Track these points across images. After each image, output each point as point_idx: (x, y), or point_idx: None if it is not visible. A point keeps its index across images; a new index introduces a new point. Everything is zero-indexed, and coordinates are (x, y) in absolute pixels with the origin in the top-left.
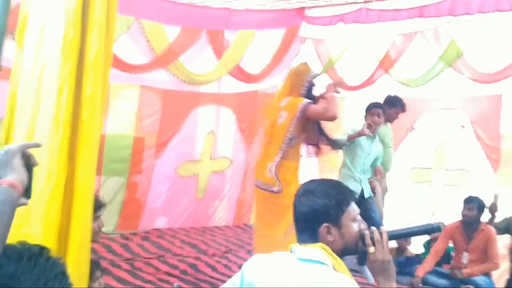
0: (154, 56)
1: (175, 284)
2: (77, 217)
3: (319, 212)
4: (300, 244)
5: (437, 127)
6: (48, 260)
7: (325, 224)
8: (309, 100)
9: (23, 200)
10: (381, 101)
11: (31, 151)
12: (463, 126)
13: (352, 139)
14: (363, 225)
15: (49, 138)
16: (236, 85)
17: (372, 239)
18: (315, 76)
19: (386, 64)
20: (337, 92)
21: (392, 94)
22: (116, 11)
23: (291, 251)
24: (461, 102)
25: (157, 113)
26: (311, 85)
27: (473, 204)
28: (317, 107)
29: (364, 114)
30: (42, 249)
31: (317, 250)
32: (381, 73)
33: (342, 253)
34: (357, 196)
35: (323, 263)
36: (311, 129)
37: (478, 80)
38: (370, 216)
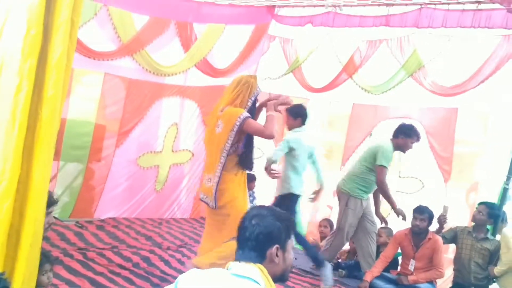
0: (121, 43)
1: None
2: (30, 215)
3: (272, 233)
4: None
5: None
6: None
7: (276, 245)
8: (248, 114)
9: None
10: (346, 105)
11: None
12: None
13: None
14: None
15: (4, 135)
16: (202, 78)
17: None
18: (259, 92)
19: (349, 69)
20: (278, 111)
21: (407, 123)
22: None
23: (227, 268)
24: (418, 112)
25: (121, 101)
26: (256, 100)
27: (425, 215)
28: (256, 124)
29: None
30: None
31: (253, 268)
32: (345, 78)
33: (278, 278)
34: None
35: (255, 281)
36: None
37: (436, 92)
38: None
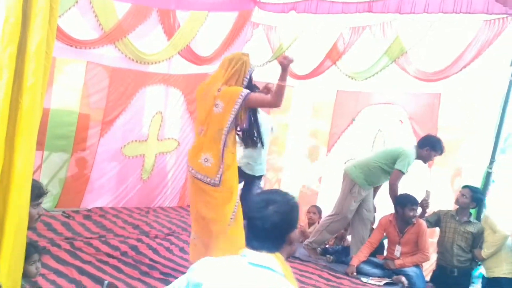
0: (102, 32)
1: (106, 282)
2: (13, 205)
3: (292, 218)
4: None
5: (377, 120)
6: None
7: (295, 229)
8: (249, 91)
9: None
10: (330, 91)
11: None
12: (401, 121)
13: None
14: None
15: None
16: (186, 66)
17: None
18: (253, 69)
19: (333, 55)
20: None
21: (435, 136)
22: None
23: (241, 255)
24: (401, 97)
25: (104, 90)
26: (251, 78)
27: (417, 205)
28: (258, 95)
29: None
30: None
31: (269, 256)
32: (328, 64)
33: (289, 256)
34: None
35: (274, 270)
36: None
37: (419, 77)
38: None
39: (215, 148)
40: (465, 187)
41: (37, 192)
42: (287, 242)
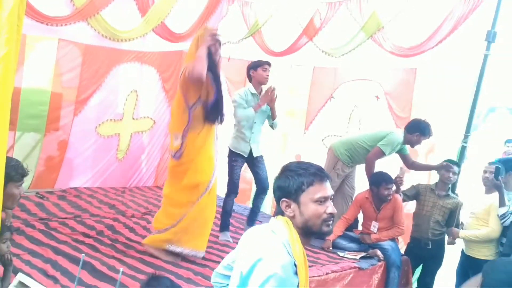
0: (74, 8)
1: (82, 255)
2: None
3: (280, 188)
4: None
5: (353, 96)
6: None
7: (283, 199)
8: (188, 64)
9: None
10: (307, 68)
11: None
12: (377, 97)
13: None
14: (331, 209)
15: None
16: (161, 43)
17: None
18: (214, 34)
19: (310, 32)
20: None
21: (422, 120)
22: None
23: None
24: (378, 73)
25: (77, 68)
26: (211, 45)
27: (392, 184)
28: (187, 68)
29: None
30: None
31: (277, 221)
32: (305, 41)
33: (305, 231)
34: (246, 156)
35: (274, 232)
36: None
37: (395, 53)
38: (256, 172)
39: (181, 127)
40: (450, 162)
41: (22, 172)
42: (283, 212)
